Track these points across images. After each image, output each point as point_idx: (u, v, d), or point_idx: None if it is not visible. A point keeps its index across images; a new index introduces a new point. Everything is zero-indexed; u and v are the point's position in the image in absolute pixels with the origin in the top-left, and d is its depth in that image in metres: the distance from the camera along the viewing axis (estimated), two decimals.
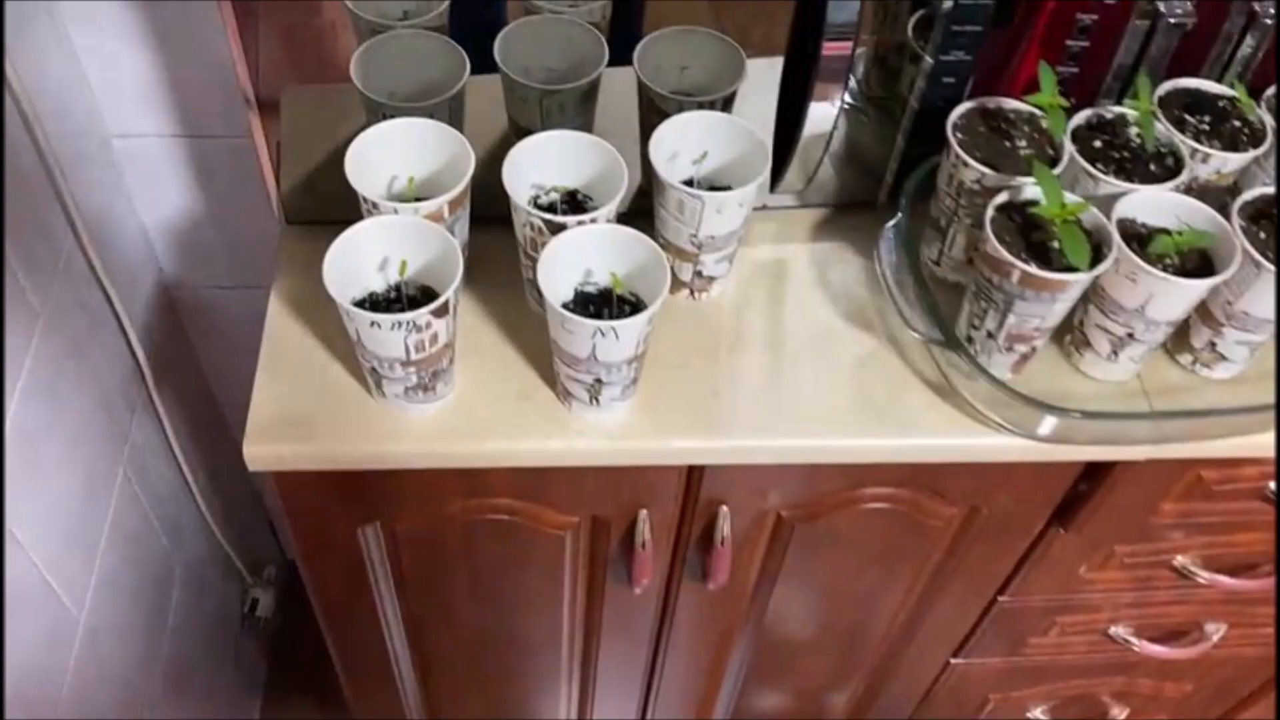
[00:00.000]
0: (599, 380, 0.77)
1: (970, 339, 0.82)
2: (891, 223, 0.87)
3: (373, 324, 0.71)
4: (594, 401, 0.79)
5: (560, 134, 0.81)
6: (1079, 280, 0.74)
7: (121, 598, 1.11)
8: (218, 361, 1.31)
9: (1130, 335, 0.80)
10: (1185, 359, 0.86)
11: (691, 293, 0.89)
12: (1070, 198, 0.76)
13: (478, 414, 0.81)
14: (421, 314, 0.71)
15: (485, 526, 0.91)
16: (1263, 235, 0.78)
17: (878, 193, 0.95)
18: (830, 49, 0.83)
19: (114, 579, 1.08)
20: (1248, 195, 0.80)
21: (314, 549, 0.93)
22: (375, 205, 0.76)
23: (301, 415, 0.80)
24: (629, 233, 0.77)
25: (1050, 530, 0.98)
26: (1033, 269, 0.74)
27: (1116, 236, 0.75)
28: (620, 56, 0.86)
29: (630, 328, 0.72)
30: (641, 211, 0.84)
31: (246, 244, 1.15)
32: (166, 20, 0.94)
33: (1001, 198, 0.78)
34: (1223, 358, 0.84)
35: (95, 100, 0.99)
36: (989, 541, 0.99)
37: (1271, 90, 0.86)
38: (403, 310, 0.77)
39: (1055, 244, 0.76)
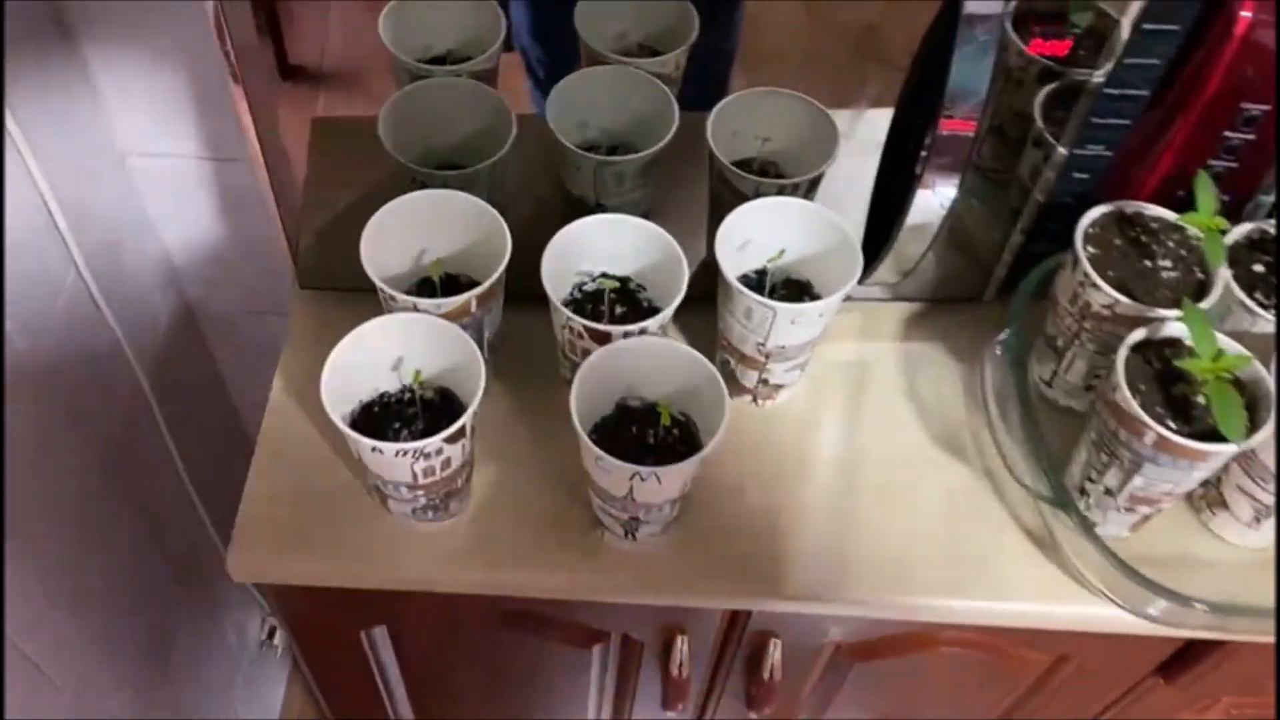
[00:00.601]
0: (635, 519, 0.65)
1: (1084, 490, 0.69)
2: (1000, 337, 0.73)
3: (374, 449, 0.61)
4: (630, 537, 0.68)
5: (612, 219, 0.69)
6: (1227, 452, 0.61)
7: (122, 637, 1.03)
8: (242, 383, 1.22)
9: None
10: None
11: (755, 399, 0.76)
12: (1225, 343, 0.62)
13: (495, 536, 0.70)
14: (432, 442, 0.60)
15: (504, 638, 0.81)
16: None
17: (983, 288, 0.81)
18: (947, 127, 0.69)
19: (114, 619, 1.01)
20: None
21: (314, 645, 0.84)
22: (393, 298, 0.65)
23: (297, 523, 0.70)
24: (683, 352, 0.65)
25: (1148, 680, 0.85)
26: (1171, 434, 0.60)
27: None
28: (692, 101, 0.73)
29: (675, 473, 0.61)
30: (705, 295, 0.71)
31: (270, 268, 1.05)
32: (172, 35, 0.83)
33: (1138, 335, 0.64)
34: None
35: (109, 117, 0.89)
36: (1076, 688, 0.86)
37: None
38: (416, 415, 0.67)
39: (1200, 398, 0.62)
